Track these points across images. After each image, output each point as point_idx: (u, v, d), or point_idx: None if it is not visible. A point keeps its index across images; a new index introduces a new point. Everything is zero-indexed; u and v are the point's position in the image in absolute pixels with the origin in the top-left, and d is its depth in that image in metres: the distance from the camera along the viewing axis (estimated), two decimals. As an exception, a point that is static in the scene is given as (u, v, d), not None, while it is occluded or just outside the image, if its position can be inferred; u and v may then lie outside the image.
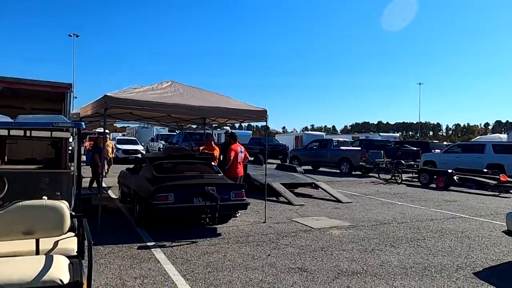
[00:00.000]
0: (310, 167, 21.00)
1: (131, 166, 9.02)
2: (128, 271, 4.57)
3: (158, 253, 5.30)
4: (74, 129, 3.87)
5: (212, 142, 8.66)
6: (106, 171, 13.29)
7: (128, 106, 6.18)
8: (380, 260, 5.31)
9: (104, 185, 12.45)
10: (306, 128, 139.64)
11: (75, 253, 2.78)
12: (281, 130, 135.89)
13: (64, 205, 2.79)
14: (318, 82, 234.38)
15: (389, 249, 5.88)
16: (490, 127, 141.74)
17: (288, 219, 7.88)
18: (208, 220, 6.14)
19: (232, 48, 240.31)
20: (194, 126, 16.49)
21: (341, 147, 19.52)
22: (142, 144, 24.20)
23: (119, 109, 7.01)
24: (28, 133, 6.05)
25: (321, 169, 20.65)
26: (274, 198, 10.36)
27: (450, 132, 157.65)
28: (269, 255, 5.40)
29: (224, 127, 33.83)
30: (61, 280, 2.28)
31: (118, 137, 26.55)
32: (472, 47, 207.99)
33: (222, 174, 7.31)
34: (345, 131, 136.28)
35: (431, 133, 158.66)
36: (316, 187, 11.54)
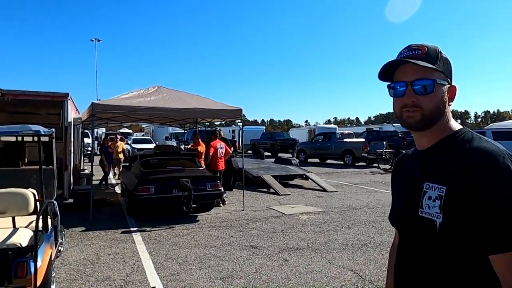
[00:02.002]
0: (317, 160, 21.63)
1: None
2: (105, 249, 5.50)
3: (137, 236, 6.22)
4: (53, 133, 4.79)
5: (199, 140, 9.51)
6: (114, 170, 14.23)
7: (113, 111, 7.11)
8: (328, 239, 6.02)
9: (113, 182, 13.62)
10: (329, 121, 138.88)
11: (41, 228, 3.70)
12: (303, 124, 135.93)
13: (30, 192, 3.69)
14: (343, 73, 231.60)
15: (343, 230, 6.57)
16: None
17: (267, 207, 8.65)
18: (185, 208, 7.01)
19: (258, 44, 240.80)
20: (207, 124, 17.44)
21: (344, 139, 19.99)
22: (157, 142, 25.42)
23: (108, 114, 7.96)
24: (35, 138, 7.12)
25: (328, 161, 21.20)
26: (265, 190, 11.12)
27: (479, 119, 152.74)
28: (232, 236, 6.22)
29: (236, 124, 34.63)
30: (20, 244, 3.19)
31: (133, 137, 27.90)
32: (501, 25, 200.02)
33: (203, 168, 8.16)
34: (369, 122, 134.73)
35: (458, 121, 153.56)
36: (307, 178, 12.21)
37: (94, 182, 12.45)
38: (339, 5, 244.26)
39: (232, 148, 9.70)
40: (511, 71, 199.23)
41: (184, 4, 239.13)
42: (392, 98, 1.23)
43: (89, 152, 22.01)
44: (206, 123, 12.15)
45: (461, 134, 1.17)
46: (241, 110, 8.18)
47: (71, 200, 8.54)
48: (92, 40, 42.62)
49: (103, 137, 25.63)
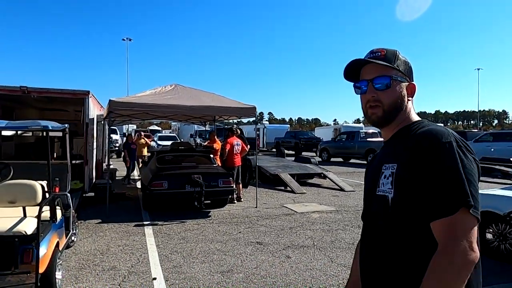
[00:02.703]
0: (341, 159, 21.38)
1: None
2: (116, 241, 5.73)
3: (148, 229, 6.42)
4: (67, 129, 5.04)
5: (215, 137, 9.66)
6: (138, 166, 14.62)
7: (130, 108, 7.36)
8: (335, 237, 6.00)
9: (137, 177, 14.01)
10: (358, 121, 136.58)
11: (48, 218, 3.92)
12: (332, 123, 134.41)
13: (38, 184, 3.91)
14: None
15: (352, 229, 6.52)
16: None
17: (280, 205, 8.68)
18: (197, 204, 7.16)
19: (287, 43, 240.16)
20: (228, 121, 17.71)
21: (368, 139, 19.66)
22: (182, 140, 25.94)
23: (126, 111, 8.23)
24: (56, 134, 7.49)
25: (351, 160, 20.91)
26: (282, 188, 11.14)
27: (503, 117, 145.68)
28: (239, 232, 6.31)
29: (261, 122, 34.74)
30: (25, 232, 3.41)
31: (159, 134, 28.56)
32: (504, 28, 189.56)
33: (216, 165, 8.29)
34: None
35: (496, 121, 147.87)
36: (325, 177, 12.13)
37: (120, 177, 12.94)
38: (368, 3, 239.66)
39: (248, 146, 9.77)
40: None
41: (214, 3, 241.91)
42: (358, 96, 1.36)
43: (116, 148, 22.80)
44: (225, 121, 12.29)
45: (418, 123, 1.27)
46: (255, 108, 8.25)
47: (92, 194, 8.90)
48: (123, 40, 43.90)
49: (133, 133, 26.57)
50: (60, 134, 6.78)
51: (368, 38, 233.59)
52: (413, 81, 1.33)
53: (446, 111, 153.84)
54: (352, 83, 1.37)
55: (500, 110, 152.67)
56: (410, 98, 1.30)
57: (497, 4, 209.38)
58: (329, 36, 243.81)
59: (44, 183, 4.20)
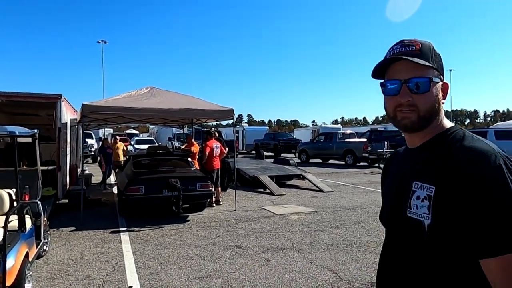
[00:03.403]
0: (319, 160, 21.55)
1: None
2: (91, 249, 5.55)
3: (125, 236, 6.26)
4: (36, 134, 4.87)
5: (193, 140, 9.54)
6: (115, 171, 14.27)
7: (104, 112, 7.18)
8: (314, 239, 6.01)
9: (113, 182, 13.69)
10: (336, 121, 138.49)
11: (17, 228, 3.77)
12: (310, 124, 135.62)
13: (5, 193, 3.76)
14: (350, 74, 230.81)
15: (331, 230, 6.55)
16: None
17: (259, 207, 8.64)
18: (174, 208, 7.04)
19: (265, 43, 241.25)
20: (212, 124, 17.58)
21: (346, 140, 19.91)
22: (160, 143, 25.57)
23: (100, 115, 8.03)
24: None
25: (330, 161, 21.12)
26: (261, 190, 11.11)
27: (489, 119, 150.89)
28: (218, 236, 6.23)
29: (240, 124, 34.73)
30: (-9, 243, 3.26)
31: (136, 138, 28.11)
32: (506, 26, 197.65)
33: (194, 168, 8.19)
34: (376, 122, 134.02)
35: (468, 120, 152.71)
36: (304, 178, 12.18)
37: (96, 183, 12.61)
38: (344, 4, 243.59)
39: (227, 149, 9.71)
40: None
41: (188, 4, 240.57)
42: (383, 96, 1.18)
43: (92, 153, 22.26)
44: (203, 123, 12.17)
45: (452, 132, 1.12)
46: (233, 110, 8.19)
47: (66, 201, 8.63)
48: (99, 42, 43.07)
49: (109, 138, 26.00)
50: (29, 140, 6.58)
51: (349, 37, 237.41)
52: (444, 79, 1.16)
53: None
54: (379, 81, 1.18)
55: (472, 110, 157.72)
56: (443, 101, 1.15)
57: (466, 5, 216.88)
58: (307, 37, 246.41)
59: (13, 191, 4.02)
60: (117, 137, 14.25)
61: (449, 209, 0.99)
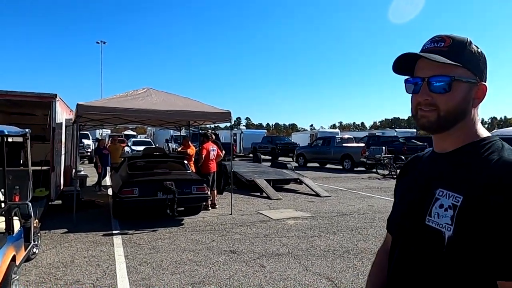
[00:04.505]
0: (317, 164, 21.46)
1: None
2: (82, 252, 5.43)
3: (117, 239, 6.14)
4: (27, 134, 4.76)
5: (189, 142, 9.44)
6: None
7: (98, 112, 7.07)
8: (310, 245, 5.90)
9: (108, 183, 13.54)
10: (334, 126, 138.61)
11: (3, 230, 3.65)
12: (308, 128, 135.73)
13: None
14: (349, 78, 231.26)
15: (328, 236, 6.45)
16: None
17: (256, 211, 8.54)
18: (169, 211, 6.92)
19: (263, 46, 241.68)
20: (212, 126, 17.43)
21: (343, 144, 19.84)
22: (157, 145, 25.45)
23: (95, 115, 7.92)
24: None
25: (327, 166, 21.04)
26: (258, 194, 11.00)
27: (486, 126, 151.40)
28: (213, 240, 6.12)
29: (238, 127, 34.61)
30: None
31: (134, 139, 27.96)
32: (503, 33, 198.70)
33: (190, 171, 8.08)
34: (374, 127, 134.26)
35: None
36: (301, 182, 12.09)
37: (91, 184, 12.46)
38: (342, 7, 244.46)
39: (224, 152, 9.61)
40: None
41: (188, 6, 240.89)
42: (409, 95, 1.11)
43: (89, 154, 22.10)
44: (201, 126, 12.07)
45: (490, 142, 1.02)
46: (230, 113, 8.10)
47: (59, 202, 8.50)
48: (98, 42, 42.85)
49: (107, 138, 25.84)
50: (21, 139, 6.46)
51: (349, 40, 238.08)
52: (485, 81, 1.06)
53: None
54: (404, 78, 1.12)
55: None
56: (478, 104, 1.05)
57: (466, 6, 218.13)
58: (306, 40, 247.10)
59: (1, 192, 3.91)
60: (116, 138, 14.10)
61: (475, 223, 0.91)
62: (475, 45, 1.05)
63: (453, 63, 1.00)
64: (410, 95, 1.10)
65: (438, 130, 1.05)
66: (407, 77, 1.12)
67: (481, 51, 1.06)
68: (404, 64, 1.10)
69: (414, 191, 1.12)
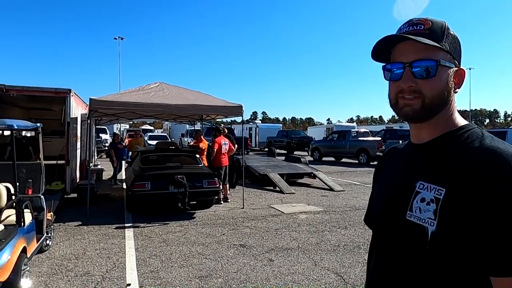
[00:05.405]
0: (332, 159, 21.25)
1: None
2: (94, 244, 5.52)
3: (129, 232, 6.22)
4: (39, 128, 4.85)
5: (202, 137, 9.47)
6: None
7: (111, 107, 7.14)
8: (321, 239, 5.84)
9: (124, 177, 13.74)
10: (351, 120, 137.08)
11: (14, 222, 3.73)
12: (325, 122, 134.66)
13: (2, 187, 3.72)
14: (368, 71, 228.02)
15: (339, 230, 6.37)
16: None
17: (268, 205, 8.51)
18: (180, 205, 6.96)
19: (281, 41, 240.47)
20: (223, 120, 17.51)
21: (359, 138, 19.57)
22: (173, 139, 25.68)
23: (108, 110, 8.01)
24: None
25: (343, 160, 20.81)
26: (271, 188, 10.96)
27: (509, 119, 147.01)
28: (223, 234, 6.13)
29: (255, 121, 34.52)
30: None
31: (150, 134, 28.27)
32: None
33: (202, 165, 8.10)
34: (392, 121, 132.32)
35: (487, 120, 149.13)
36: (315, 177, 11.98)
37: (108, 178, 12.67)
38: (359, 1, 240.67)
39: (236, 146, 9.60)
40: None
41: (205, 3, 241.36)
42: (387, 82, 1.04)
43: (106, 148, 22.47)
44: (216, 120, 12.10)
45: (469, 130, 0.98)
46: (242, 106, 8.07)
47: (75, 195, 8.66)
48: (115, 38, 43.31)
49: (125, 133, 26.22)
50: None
51: (365, 37, 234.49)
52: (461, 65, 1.01)
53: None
54: (382, 65, 1.05)
55: (492, 110, 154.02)
56: (457, 90, 1.00)
57: (490, 3, 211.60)
58: (325, 35, 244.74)
59: (8, 185, 3.99)
60: (137, 133, 14.26)
61: (460, 216, 0.86)
62: (451, 29, 0.99)
63: (439, 45, 0.94)
64: (388, 81, 1.03)
65: (422, 118, 0.99)
66: (384, 63, 1.04)
67: (456, 35, 1.00)
68: (382, 50, 1.02)
69: (392, 185, 1.06)
